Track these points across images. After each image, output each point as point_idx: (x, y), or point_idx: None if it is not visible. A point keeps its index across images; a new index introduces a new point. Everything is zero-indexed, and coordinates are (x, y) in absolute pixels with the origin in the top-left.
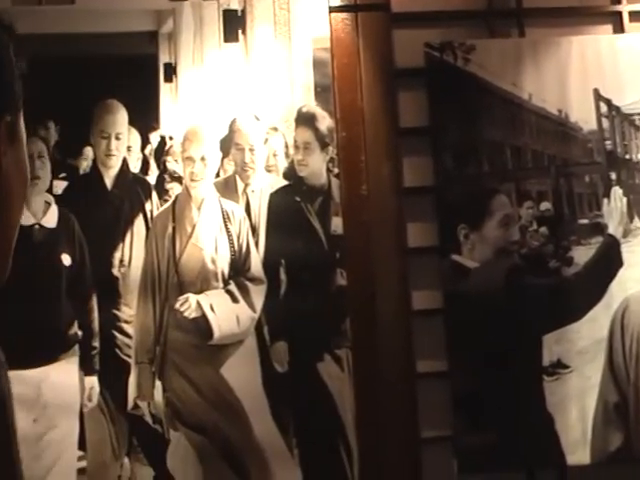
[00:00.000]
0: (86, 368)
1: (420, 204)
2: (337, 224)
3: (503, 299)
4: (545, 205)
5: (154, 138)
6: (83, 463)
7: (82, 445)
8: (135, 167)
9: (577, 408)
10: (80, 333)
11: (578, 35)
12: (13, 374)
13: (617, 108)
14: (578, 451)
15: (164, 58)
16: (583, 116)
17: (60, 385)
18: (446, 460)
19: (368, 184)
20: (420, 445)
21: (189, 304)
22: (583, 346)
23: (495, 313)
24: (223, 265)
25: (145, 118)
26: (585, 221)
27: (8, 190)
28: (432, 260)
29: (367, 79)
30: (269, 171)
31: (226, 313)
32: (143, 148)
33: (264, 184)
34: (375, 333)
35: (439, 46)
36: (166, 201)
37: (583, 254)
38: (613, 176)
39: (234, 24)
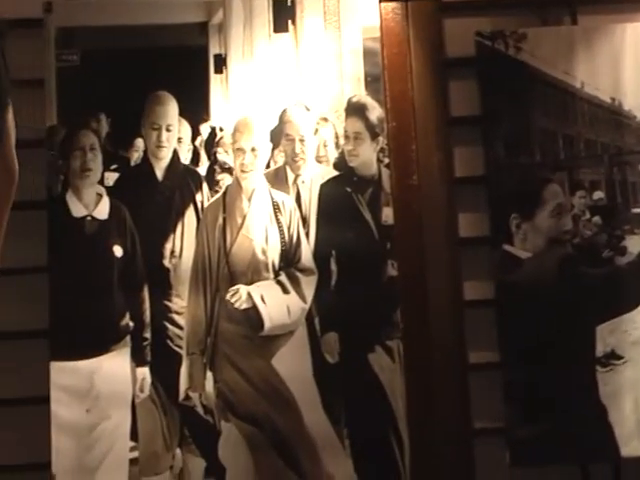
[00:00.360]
0: (138, 359)
1: (471, 194)
2: (388, 214)
3: (556, 289)
4: (598, 194)
5: (204, 129)
6: (135, 454)
7: (134, 436)
8: (186, 158)
9: (631, 399)
10: (132, 324)
11: (632, 22)
12: (66, 365)
13: None
14: (632, 442)
15: (214, 49)
16: (637, 104)
17: (112, 376)
18: (498, 452)
19: (419, 174)
20: (472, 437)
21: (240, 295)
22: (637, 336)
23: (548, 303)
24: (274, 256)
25: (195, 109)
26: (639, 210)
27: None
28: (484, 250)
29: (417, 68)
30: (319, 162)
31: (277, 304)
32: (193, 139)
33: (314, 175)
34: (427, 324)
35: (490, 35)
36: (216, 192)
37: (637, 243)
38: None
39: (284, 14)
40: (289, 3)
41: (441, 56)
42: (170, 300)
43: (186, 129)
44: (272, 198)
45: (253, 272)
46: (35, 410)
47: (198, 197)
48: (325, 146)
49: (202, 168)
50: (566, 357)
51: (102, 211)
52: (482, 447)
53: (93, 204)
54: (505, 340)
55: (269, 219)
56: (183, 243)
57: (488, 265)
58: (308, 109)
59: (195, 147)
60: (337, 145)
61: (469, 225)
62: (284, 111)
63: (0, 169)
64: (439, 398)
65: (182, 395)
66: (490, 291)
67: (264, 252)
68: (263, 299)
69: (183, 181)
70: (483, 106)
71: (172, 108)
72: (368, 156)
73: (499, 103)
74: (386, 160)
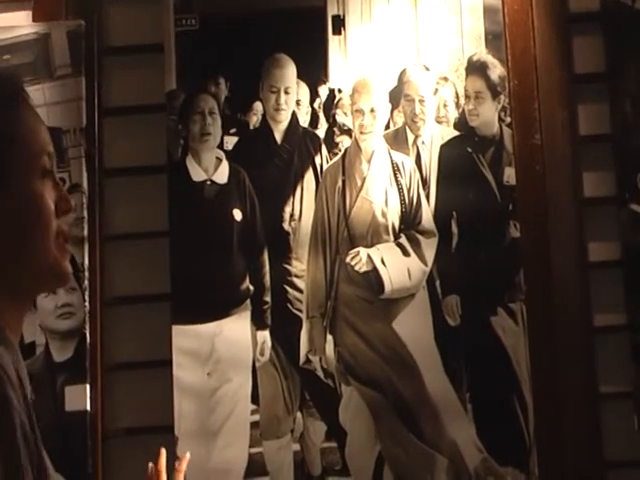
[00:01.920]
0: (258, 323)
1: (597, 152)
2: (510, 174)
3: None
4: None
5: (323, 91)
6: (256, 417)
7: (255, 399)
8: (304, 121)
9: None
10: (252, 288)
11: None
12: (188, 329)
13: None
14: None
15: (332, 10)
16: None
17: (233, 340)
18: (626, 416)
19: (541, 133)
20: (598, 401)
21: (360, 258)
22: None
23: None
24: (394, 218)
25: (314, 71)
26: None
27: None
28: (610, 210)
29: (540, 25)
30: (439, 122)
31: (397, 266)
32: (312, 102)
33: (434, 135)
34: (550, 286)
35: None
36: (335, 154)
37: None
38: None
39: None
40: None
41: (564, 11)
42: (290, 263)
43: (304, 91)
44: (392, 159)
45: (373, 234)
46: (158, 373)
47: (317, 160)
48: (445, 106)
49: (321, 130)
50: None
51: (221, 175)
52: (609, 411)
53: (213, 168)
54: (633, 302)
55: (389, 181)
56: (302, 206)
57: (614, 225)
58: (427, 69)
59: (314, 109)
60: (457, 105)
61: (594, 184)
62: (403, 71)
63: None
64: (564, 362)
65: (302, 359)
66: (616, 252)
67: (384, 214)
68: (383, 262)
69: (302, 144)
70: (609, 62)
71: (290, 71)
72: (489, 115)
73: (626, 58)
74: (508, 119)
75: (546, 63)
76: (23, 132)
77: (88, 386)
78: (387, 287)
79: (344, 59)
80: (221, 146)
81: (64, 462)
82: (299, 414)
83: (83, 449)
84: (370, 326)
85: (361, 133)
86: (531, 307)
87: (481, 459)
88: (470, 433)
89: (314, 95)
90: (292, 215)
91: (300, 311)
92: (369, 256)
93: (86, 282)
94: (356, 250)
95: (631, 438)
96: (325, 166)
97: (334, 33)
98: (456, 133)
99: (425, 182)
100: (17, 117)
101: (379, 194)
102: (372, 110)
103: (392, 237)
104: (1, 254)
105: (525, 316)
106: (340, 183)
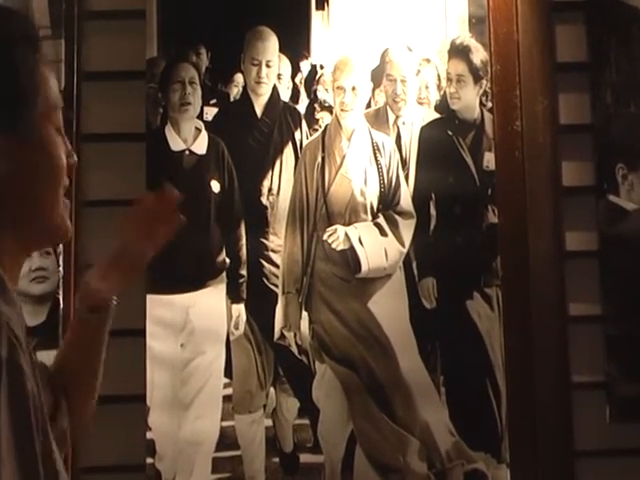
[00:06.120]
0: (233, 296)
1: (576, 142)
2: (489, 159)
3: None
4: None
5: (304, 66)
6: (229, 391)
7: (228, 373)
8: (285, 95)
9: None
10: (228, 261)
11: None
12: (163, 299)
13: None
14: None
15: None
16: None
17: (207, 312)
18: (598, 407)
19: (522, 120)
20: (571, 390)
21: (337, 236)
22: None
23: None
24: (372, 197)
25: (296, 46)
26: None
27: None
28: (588, 200)
29: (524, 11)
30: (420, 103)
31: (374, 246)
32: (293, 76)
33: (415, 116)
34: (527, 273)
35: None
36: (316, 130)
37: None
38: None
39: None
40: None
41: None
42: (267, 238)
43: (286, 66)
44: (372, 138)
45: (351, 213)
46: (131, 342)
47: (297, 135)
48: (427, 88)
49: (301, 106)
50: None
51: (200, 146)
52: (581, 401)
53: (192, 138)
54: (608, 293)
55: (368, 160)
56: (281, 181)
57: (592, 216)
58: (410, 49)
59: (295, 84)
60: (439, 87)
61: (573, 174)
62: (386, 51)
63: (32, 169)
64: (538, 349)
65: (277, 334)
66: (593, 242)
67: (362, 193)
68: (361, 241)
69: (282, 118)
70: (591, 52)
71: (272, 44)
72: (470, 99)
73: (608, 49)
74: (489, 104)
75: (528, 50)
76: (44, 84)
77: None
78: (364, 266)
79: (327, 35)
80: (201, 116)
81: None
82: (272, 389)
83: None
84: (346, 305)
85: (342, 110)
86: (507, 293)
87: (453, 442)
88: (443, 416)
89: (296, 70)
90: (270, 189)
91: (276, 286)
92: (346, 234)
93: (61, 247)
94: (334, 228)
95: (602, 429)
96: (305, 142)
97: (317, 8)
98: (437, 115)
99: (405, 163)
100: (39, 67)
101: (358, 173)
102: (353, 88)
103: (370, 216)
104: (18, 204)
105: (501, 302)
106: (319, 160)
